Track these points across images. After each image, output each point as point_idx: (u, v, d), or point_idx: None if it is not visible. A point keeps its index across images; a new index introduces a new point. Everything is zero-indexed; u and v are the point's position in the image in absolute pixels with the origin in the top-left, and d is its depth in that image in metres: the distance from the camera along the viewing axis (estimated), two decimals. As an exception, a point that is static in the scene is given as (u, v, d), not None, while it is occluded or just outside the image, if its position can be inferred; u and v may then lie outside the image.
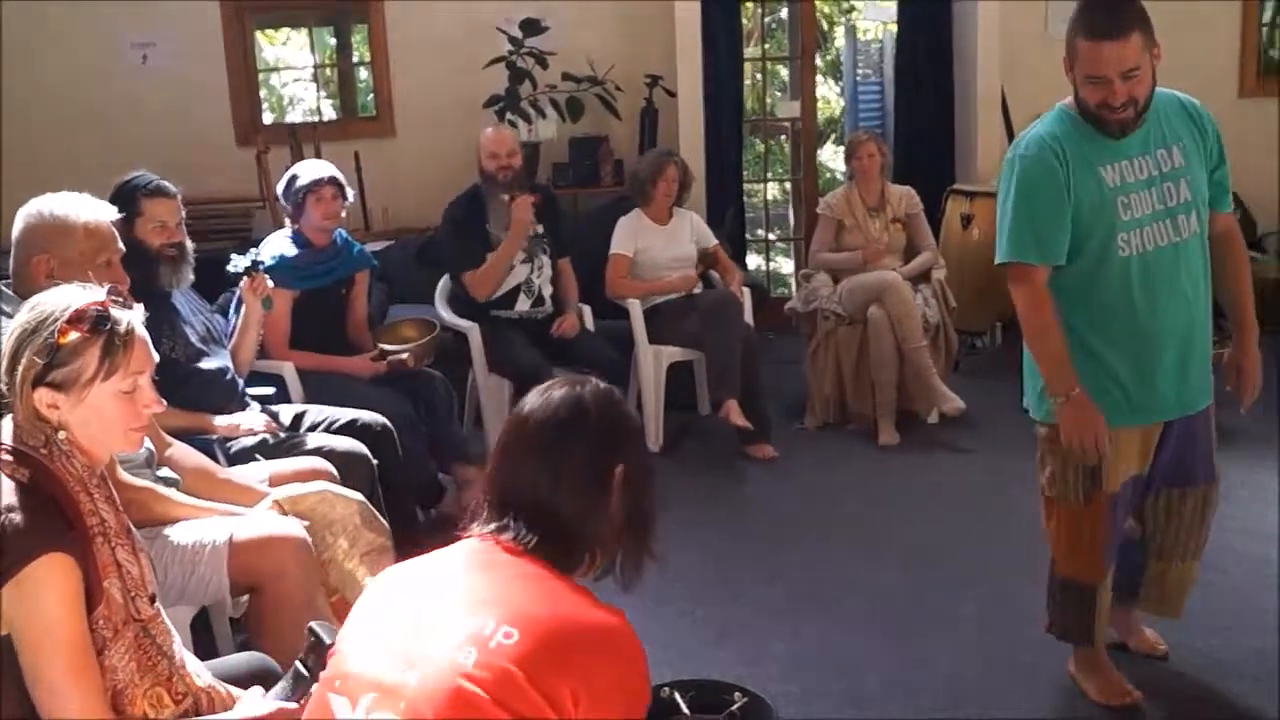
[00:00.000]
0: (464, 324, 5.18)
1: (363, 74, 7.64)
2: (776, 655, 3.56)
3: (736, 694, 2.78)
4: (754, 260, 8.23)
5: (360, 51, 7.54)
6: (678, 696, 2.78)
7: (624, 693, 1.67)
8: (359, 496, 3.29)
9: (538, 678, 1.60)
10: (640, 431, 2.01)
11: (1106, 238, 2.99)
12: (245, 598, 2.91)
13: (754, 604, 3.90)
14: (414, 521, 4.09)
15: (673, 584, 4.01)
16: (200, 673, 2.21)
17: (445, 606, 1.72)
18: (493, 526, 1.83)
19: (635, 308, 5.43)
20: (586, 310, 5.46)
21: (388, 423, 4.03)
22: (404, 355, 4.53)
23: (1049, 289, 3.05)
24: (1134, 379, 3.06)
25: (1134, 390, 3.07)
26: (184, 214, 3.74)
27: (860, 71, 10.94)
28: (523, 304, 5.22)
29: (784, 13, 10.04)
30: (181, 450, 3.17)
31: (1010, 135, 7.00)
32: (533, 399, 1.90)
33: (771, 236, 8.89)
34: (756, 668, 3.46)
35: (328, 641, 1.95)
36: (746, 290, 5.65)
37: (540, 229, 5.19)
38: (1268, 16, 7.69)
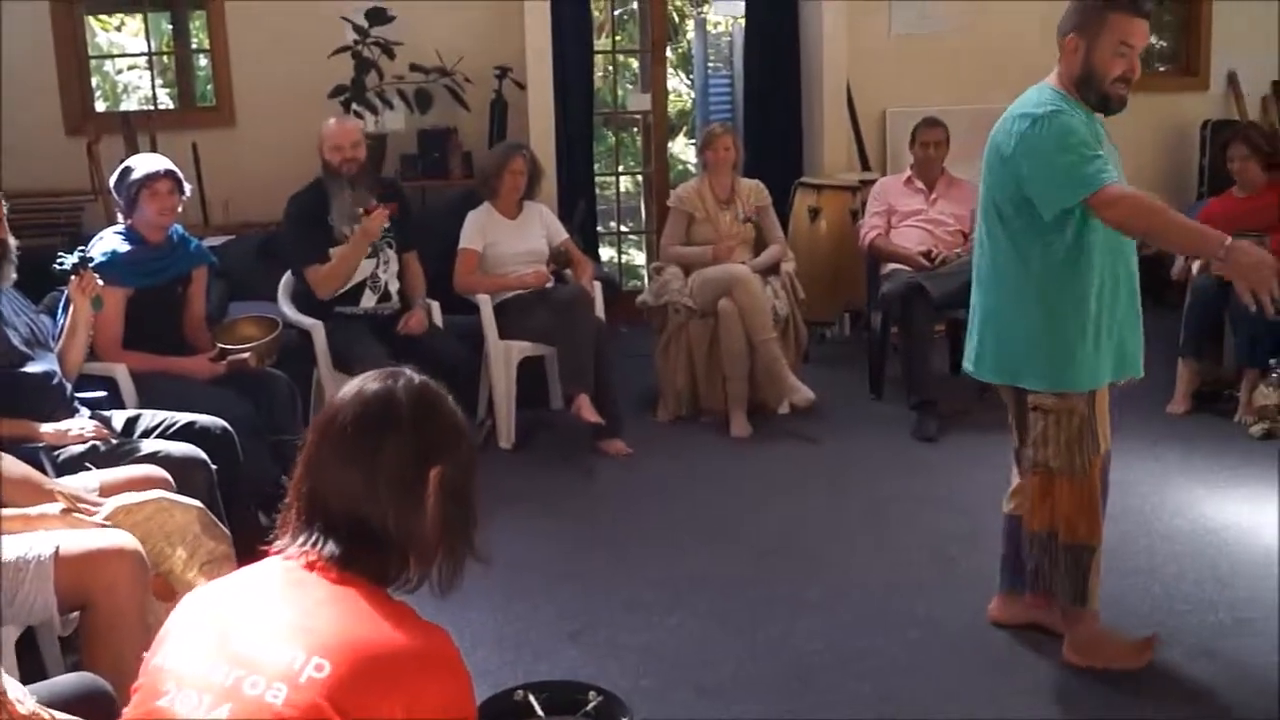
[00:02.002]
0: (308, 321, 5.05)
1: (201, 61, 7.40)
2: (630, 650, 3.54)
3: (591, 693, 2.76)
4: (606, 253, 8.22)
5: (199, 38, 7.31)
6: (531, 698, 2.76)
7: (445, 715, 1.60)
8: (197, 504, 3.18)
9: (349, 709, 1.52)
10: (461, 430, 1.81)
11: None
12: (75, 615, 2.78)
13: (607, 599, 3.88)
14: (257, 527, 3.96)
15: (524, 582, 3.99)
16: (23, 699, 2.10)
17: (254, 639, 1.61)
18: (301, 542, 1.71)
19: (485, 303, 5.36)
20: (435, 306, 5.37)
21: (227, 426, 3.91)
22: (245, 355, 4.39)
23: (1086, 239, 3.15)
24: (1122, 334, 3.25)
25: (1118, 346, 3.26)
26: (6, 208, 3.57)
27: (711, 65, 10.98)
28: (368, 300, 5.11)
29: (635, 5, 10.02)
30: (3, 461, 3.02)
31: (856, 130, 7.12)
32: (341, 398, 1.77)
33: (624, 229, 8.90)
34: (610, 663, 3.45)
35: None
36: (598, 284, 5.62)
37: (386, 223, 5.07)
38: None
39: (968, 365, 3.49)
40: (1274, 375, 5.43)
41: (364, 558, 1.70)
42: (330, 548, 1.70)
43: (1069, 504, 3.28)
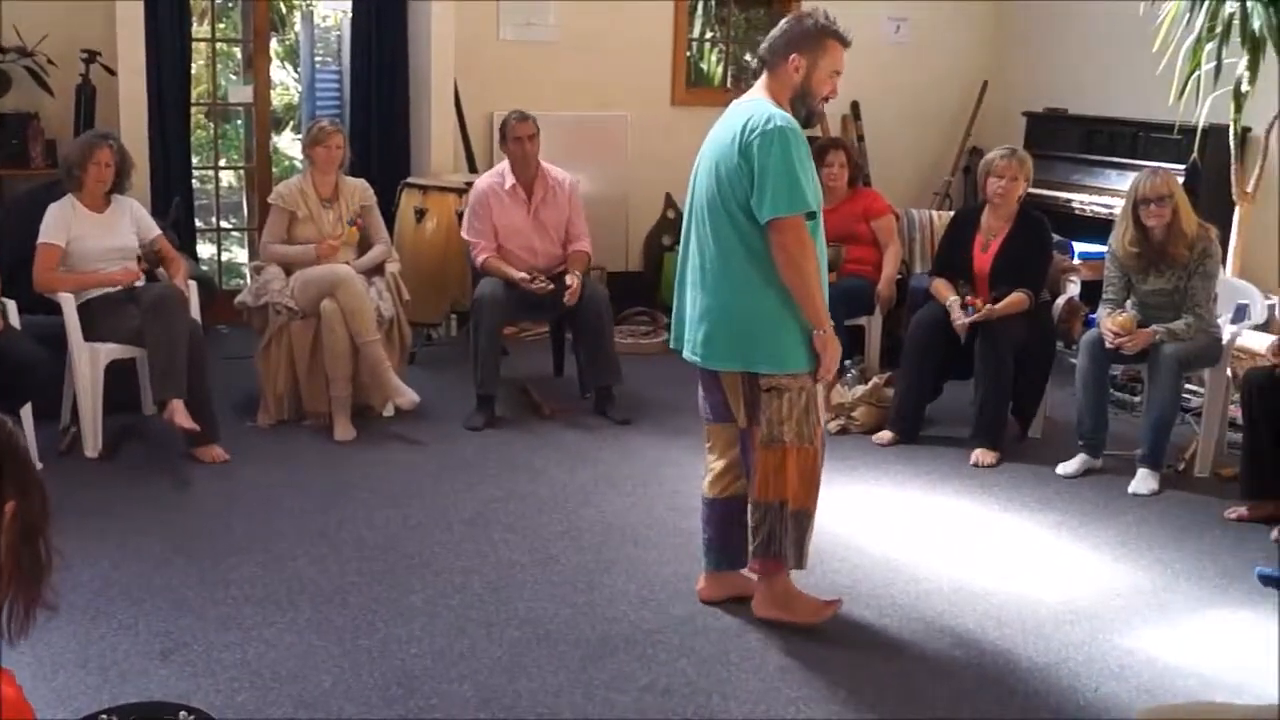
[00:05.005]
0: None
1: None
2: (226, 666, 3.43)
3: (182, 713, 2.66)
4: (206, 250, 7.90)
5: None
6: (116, 722, 2.63)
7: None
8: None
9: None
10: (32, 470, 1.71)
11: (819, 203, 3.57)
12: None
13: (201, 614, 3.73)
14: None
15: (111, 599, 3.79)
16: None
17: None
18: None
19: (68, 302, 5.02)
20: (10, 305, 4.95)
21: None
22: None
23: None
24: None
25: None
26: None
27: (319, 59, 10.75)
28: (-69, 299, 4.69)
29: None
30: None
31: (464, 132, 7.16)
32: None
33: (225, 225, 8.55)
34: (205, 681, 3.34)
35: None
36: (192, 283, 5.39)
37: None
38: (696, 33, 8.42)
39: (692, 356, 3.70)
40: (848, 375, 5.89)
41: None
42: None
43: (799, 473, 3.61)
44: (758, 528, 3.66)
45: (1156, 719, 2.25)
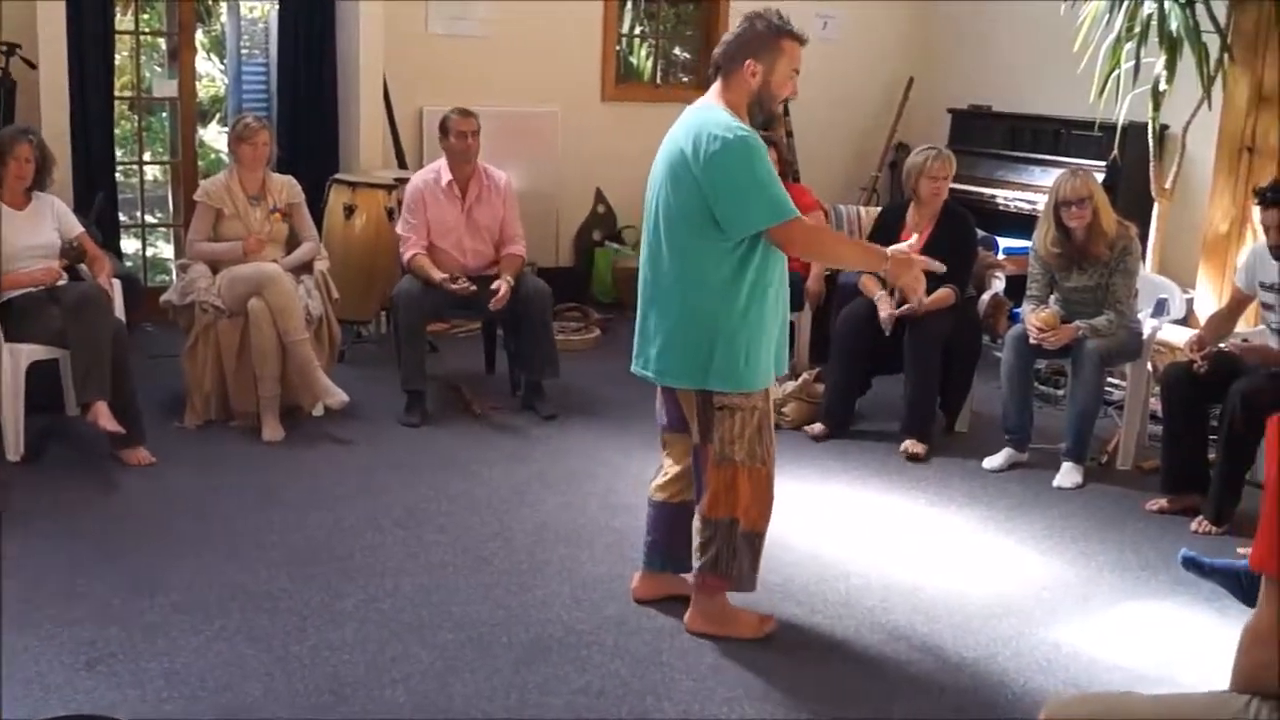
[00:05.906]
0: None
1: None
2: (153, 675, 3.38)
3: (108, 723, 2.65)
4: (131, 245, 7.77)
5: None
6: (38, 736, 2.60)
7: None
8: None
9: None
10: None
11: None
12: None
13: (127, 622, 3.67)
14: None
15: (34, 608, 3.71)
16: None
17: None
18: None
19: (-13, 303, 4.94)
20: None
21: None
22: None
23: (765, 251, 3.46)
24: (778, 340, 3.61)
25: (778, 349, 3.62)
26: None
27: (245, 51, 10.59)
28: None
29: (162, -18, 9.50)
30: None
31: (393, 128, 7.10)
32: None
33: (151, 220, 8.41)
34: (131, 691, 3.29)
35: None
36: (116, 282, 5.29)
37: None
38: (626, 27, 8.41)
39: (646, 372, 3.64)
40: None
41: None
42: None
43: (751, 494, 3.58)
44: (706, 544, 3.63)
45: (1061, 717, 2.29)
